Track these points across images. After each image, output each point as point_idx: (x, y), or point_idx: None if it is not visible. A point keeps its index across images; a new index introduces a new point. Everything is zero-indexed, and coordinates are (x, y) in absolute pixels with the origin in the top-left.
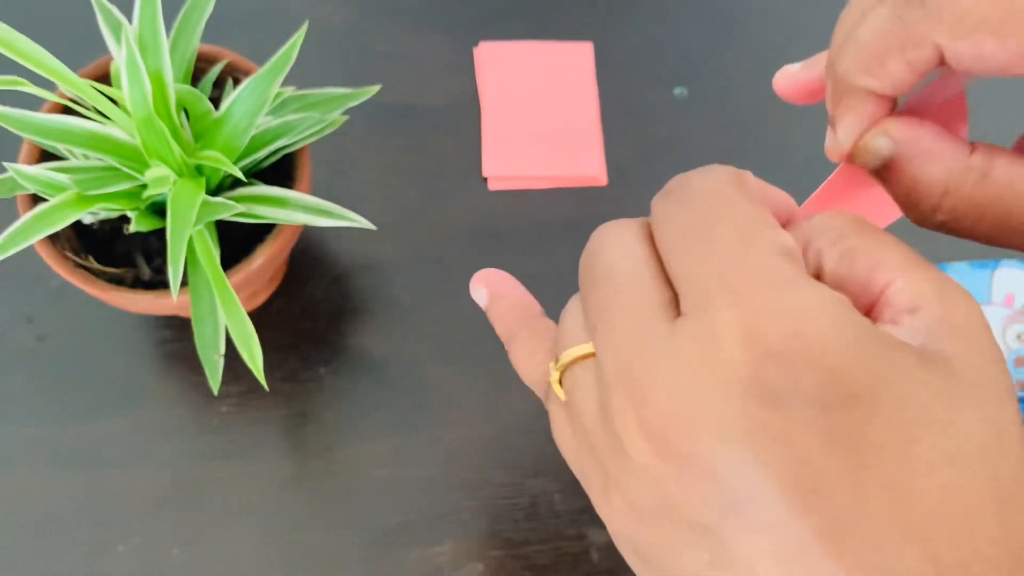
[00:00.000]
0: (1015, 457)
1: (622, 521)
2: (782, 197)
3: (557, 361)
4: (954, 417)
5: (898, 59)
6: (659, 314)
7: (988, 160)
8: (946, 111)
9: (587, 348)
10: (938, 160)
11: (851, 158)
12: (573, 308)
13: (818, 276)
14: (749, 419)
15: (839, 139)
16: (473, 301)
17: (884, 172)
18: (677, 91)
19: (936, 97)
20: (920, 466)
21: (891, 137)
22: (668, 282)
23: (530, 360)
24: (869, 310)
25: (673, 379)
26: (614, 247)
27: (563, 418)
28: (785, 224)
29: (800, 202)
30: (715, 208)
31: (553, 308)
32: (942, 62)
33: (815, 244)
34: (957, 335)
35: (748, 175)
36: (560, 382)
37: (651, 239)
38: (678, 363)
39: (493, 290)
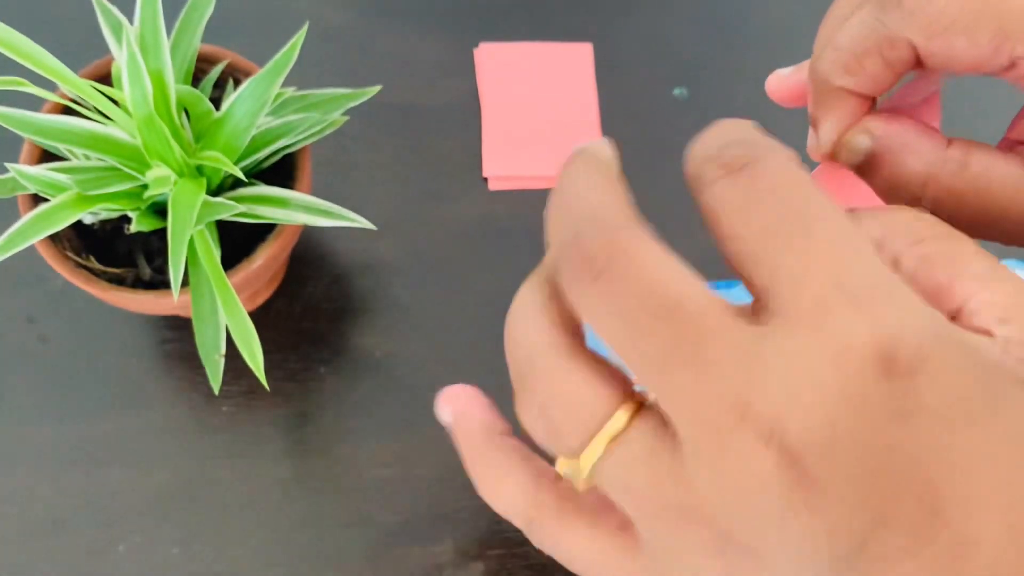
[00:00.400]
0: None
1: None
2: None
3: (574, 462)
4: None
5: (875, 59)
6: (745, 326)
7: (965, 152)
8: (920, 113)
9: (620, 421)
10: (917, 153)
11: (832, 156)
12: (560, 385)
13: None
14: (883, 436)
15: (820, 139)
16: (474, 301)
17: (866, 167)
18: (676, 91)
19: (910, 100)
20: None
21: (871, 133)
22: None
23: (502, 483)
24: (949, 319)
25: (797, 400)
26: (652, 270)
27: (585, 515)
28: None
29: None
30: (808, 201)
31: None
32: (918, 62)
33: (892, 244)
34: None
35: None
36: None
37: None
38: (797, 382)
39: (457, 409)
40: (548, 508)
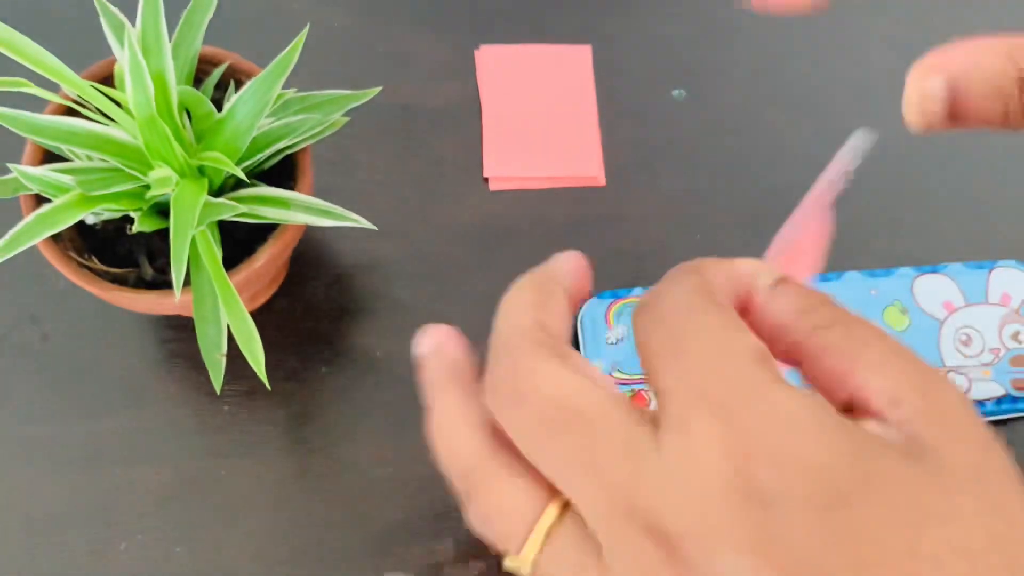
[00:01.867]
0: None
1: None
2: (745, 269)
3: (515, 560)
4: (953, 507)
5: None
6: (642, 436)
7: None
8: (806, 245)
9: (549, 518)
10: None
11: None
12: (495, 493)
13: (798, 362)
14: (749, 525)
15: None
16: (474, 301)
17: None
18: (675, 93)
19: (795, 234)
20: (927, 563)
21: (944, 71)
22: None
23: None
24: (848, 404)
25: (676, 499)
26: (554, 384)
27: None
28: (745, 308)
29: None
30: (686, 321)
31: None
32: None
33: (792, 336)
34: (941, 424)
35: (716, 273)
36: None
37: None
38: (677, 481)
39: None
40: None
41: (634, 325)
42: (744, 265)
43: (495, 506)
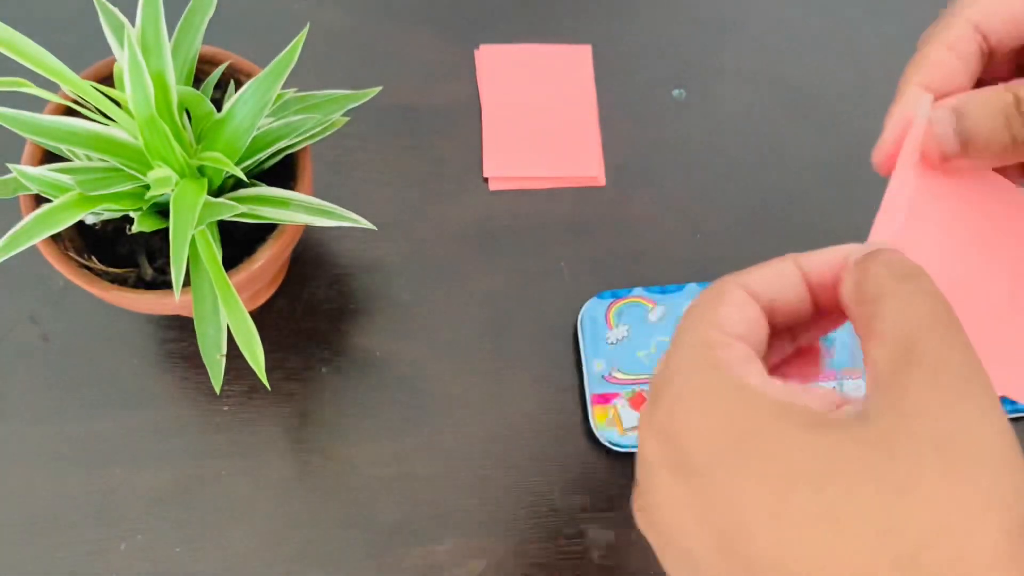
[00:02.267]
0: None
1: None
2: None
3: None
4: (839, 471)
5: (937, 46)
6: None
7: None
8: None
9: None
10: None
11: (891, 160)
12: None
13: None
14: (639, 491)
15: (886, 130)
16: (474, 301)
17: (961, 145)
18: (675, 92)
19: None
20: (788, 525)
21: (952, 107)
22: None
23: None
24: None
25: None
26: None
27: None
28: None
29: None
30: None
31: (552, 306)
32: (983, 53)
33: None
34: (894, 394)
35: (727, 299)
36: None
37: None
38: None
39: None
40: None
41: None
42: (834, 253)
43: None
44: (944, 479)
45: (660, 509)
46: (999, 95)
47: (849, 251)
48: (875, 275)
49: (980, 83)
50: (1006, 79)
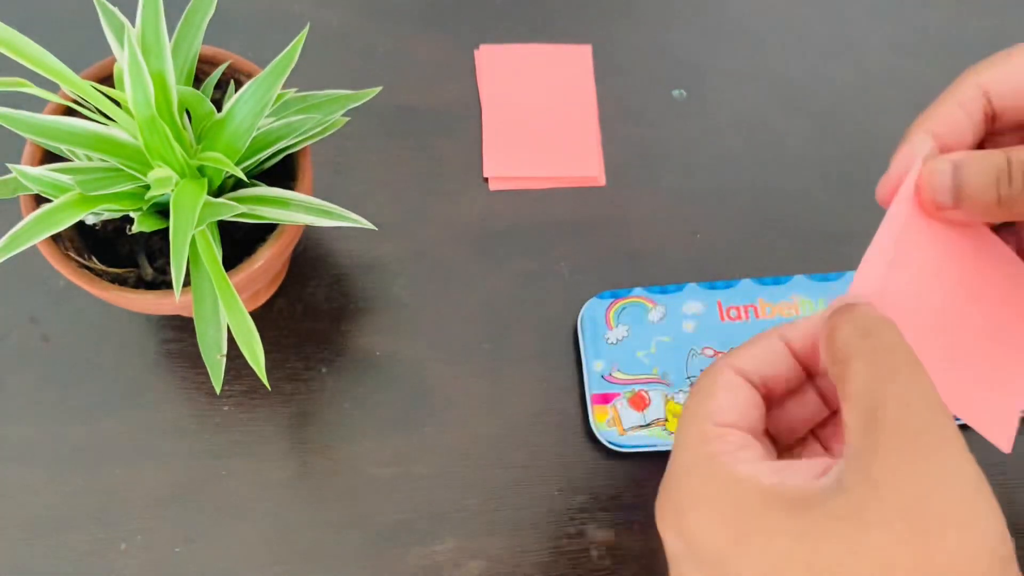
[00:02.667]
0: None
1: None
2: (771, 357)
3: None
4: (823, 555)
5: (950, 105)
6: None
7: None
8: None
9: None
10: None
11: (921, 198)
12: None
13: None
14: None
15: (891, 168)
16: (474, 301)
17: (955, 196)
18: (675, 92)
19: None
20: None
21: (951, 161)
22: None
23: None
24: None
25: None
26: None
27: None
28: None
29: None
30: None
31: (552, 306)
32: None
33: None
34: (867, 467)
35: (720, 385)
36: None
37: None
38: None
39: None
40: None
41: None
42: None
43: None
44: (912, 547)
45: None
46: (995, 156)
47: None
48: (841, 334)
49: (982, 147)
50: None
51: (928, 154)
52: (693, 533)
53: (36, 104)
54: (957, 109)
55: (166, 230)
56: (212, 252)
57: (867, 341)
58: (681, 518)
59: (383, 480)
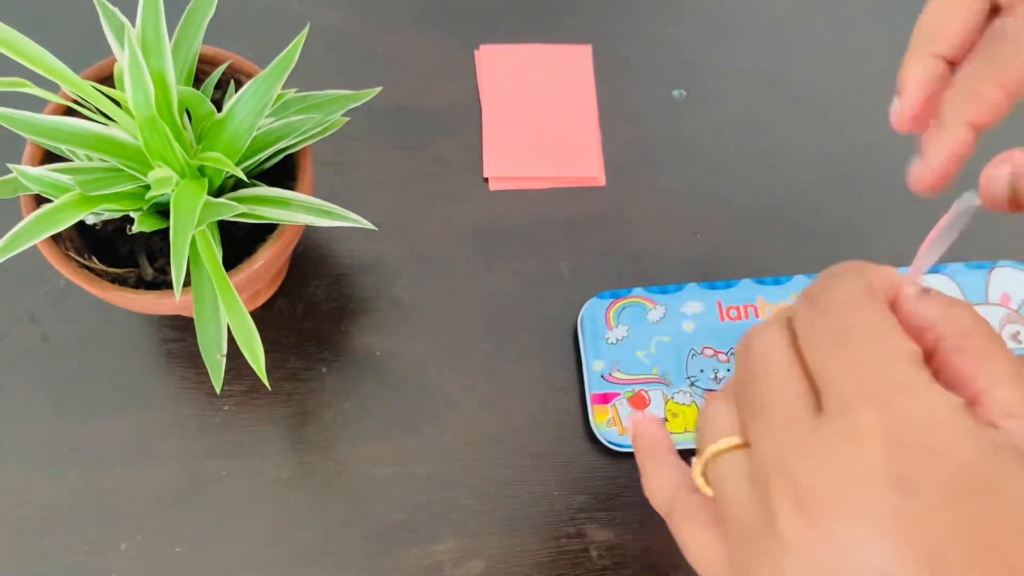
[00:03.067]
0: None
1: None
2: (896, 277)
3: (697, 458)
4: None
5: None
6: (806, 410)
7: None
8: None
9: (733, 440)
10: None
11: (988, 198)
12: (714, 408)
13: (930, 355)
14: (888, 506)
15: (903, 102)
16: (475, 301)
17: (1014, 199)
18: (675, 93)
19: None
20: None
21: (1011, 162)
22: (811, 379)
23: (654, 482)
24: (968, 404)
25: (822, 469)
26: (768, 348)
27: (700, 518)
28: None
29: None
30: (852, 318)
31: (552, 306)
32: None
33: (932, 336)
34: None
35: (876, 276)
36: (704, 476)
37: (796, 340)
38: (826, 455)
39: (633, 428)
40: (680, 508)
41: (797, 312)
42: (895, 274)
43: (709, 414)
44: None
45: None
46: None
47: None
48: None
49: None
50: None
51: (970, 206)
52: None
53: (36, 104)
54: (958, 20)
55: (166, 230)
56: (212, 252)
57: None
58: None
59: (383, 480)
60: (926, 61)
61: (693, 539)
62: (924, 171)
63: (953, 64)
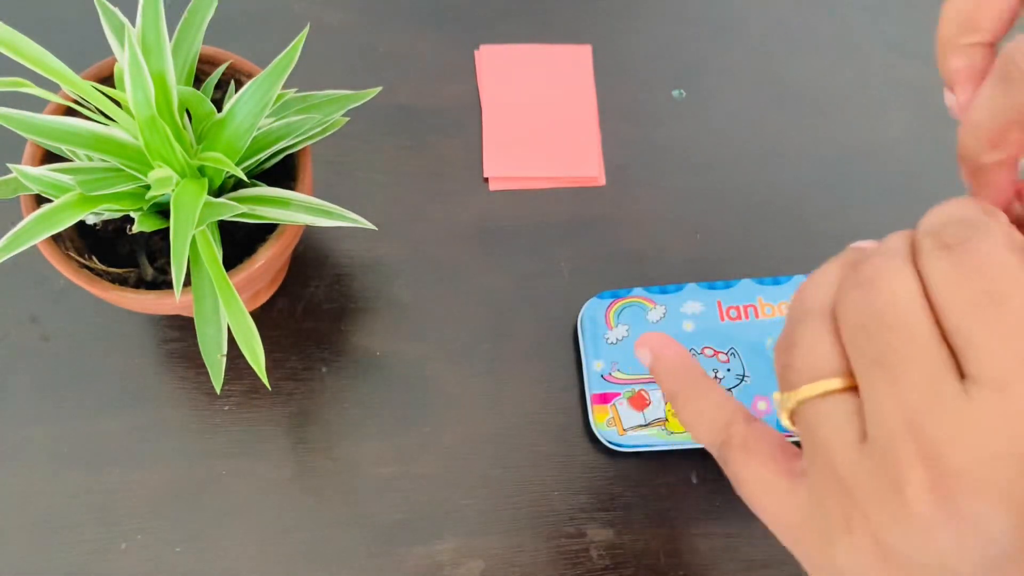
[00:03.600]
0: None
1: (857, 556)
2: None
3: (789, 393)
4: None
5: (1018, 131)
6: (949, 374)
7: None
8: None
9: (835, 383)
10: None
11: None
12: (812, 335)
13: None
14: None
15: (959, 96)
16: (475, 301)
17: None
18: (675, 93)
19: None
20: None
21: None
22: (946, 338)
23: (699, 418)
24: None
25: (970, 444)
26: (899, 291)
27: (764, 453)
28: None
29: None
30: (1007, 283)
31: (552, 306)
32: None
33: None
34: None
35: (1010, 231)
36: (791, 415)
37: (926, 288)
38: (977, 430)
39: (655, 351)
40: (738, 437)
41: (929, 259)
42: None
43: (804, 343)
44: None
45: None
46: None
47: None
48: None
49: None
50: None
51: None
52: None
53: (36, 104)
54: (996, 6)
55: (166, 230)
56: (212, 252)
57: None
58: None
59: (383, 480)
60: (969, 53)
61: (755, 477)
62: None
63: (994, 44)
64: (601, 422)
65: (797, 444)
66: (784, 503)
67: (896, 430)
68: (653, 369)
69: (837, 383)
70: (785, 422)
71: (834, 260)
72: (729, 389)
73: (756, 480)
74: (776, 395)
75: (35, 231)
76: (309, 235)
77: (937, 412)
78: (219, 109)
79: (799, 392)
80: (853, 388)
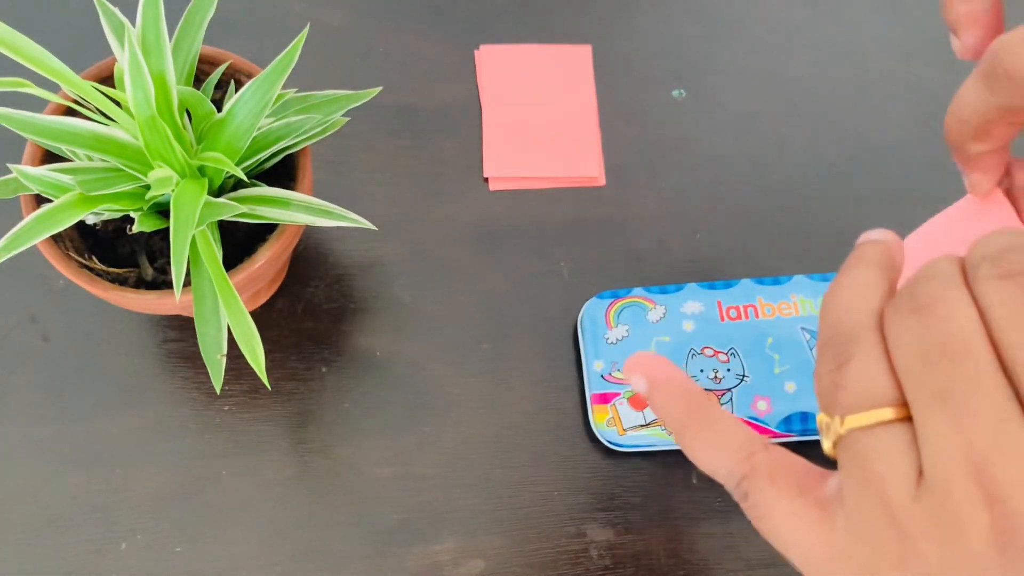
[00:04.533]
0: None
1: None
2: None
3: (838, 418)
4: None
5: (1001, 126)
6: (1017, 413)
7: None
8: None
9: (887, 413)
10: None
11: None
12: (864, 361)
13: None
14: None
15: (978, 186)
16: (475, 301)
17: None
18: (675, 92)
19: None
20: None
21: None
22: (1005, 372)
23: (714, 451)
24: None
25: None
26: (963, 321)
27: (792, 483)
28: None
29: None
30: None
31: (552, 305)
32: None
33: None
34: None
35: None
36: (835, 443)
37: (983, 316)
38: None
39: (651, 376)
40: (762, 468)
41: (995, 293)
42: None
43: (857, 364)
44: None
45: None
46: None
47: None
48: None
49: None
50: None
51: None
52: None
53: (36, 104)
54: None
55: (166, 230)
56: (212, 252)
57: None
58: None
59: (383, 480)
60: None
61: (786, 511)
62: (980, 189)
63: None
64: (601, 422)
65: (796, 448)
66: (817, 535)
67: (959, 470)
68: (651, 398)
69: (889, 413)
70: (828, 447)
71: (864, 262)
72: (729, 389)
73: (788, 514)
74: (822, 418)
75: (35, 231)
76: (309, 235)
77: (1003, 452)
78: (219, 109)
79: (851, 420)
80: (906, 419)
